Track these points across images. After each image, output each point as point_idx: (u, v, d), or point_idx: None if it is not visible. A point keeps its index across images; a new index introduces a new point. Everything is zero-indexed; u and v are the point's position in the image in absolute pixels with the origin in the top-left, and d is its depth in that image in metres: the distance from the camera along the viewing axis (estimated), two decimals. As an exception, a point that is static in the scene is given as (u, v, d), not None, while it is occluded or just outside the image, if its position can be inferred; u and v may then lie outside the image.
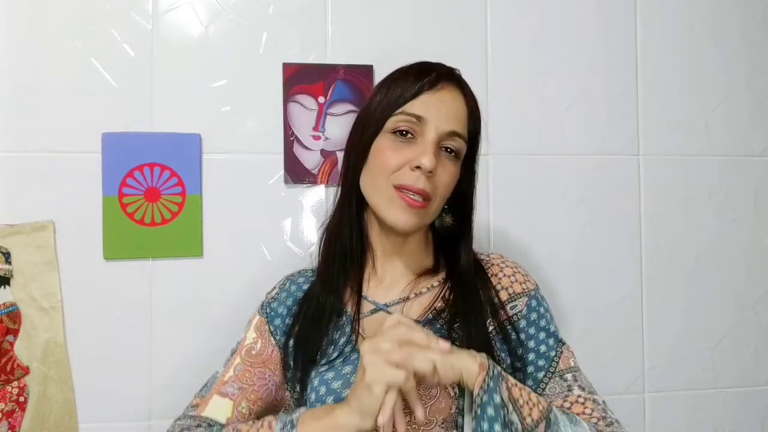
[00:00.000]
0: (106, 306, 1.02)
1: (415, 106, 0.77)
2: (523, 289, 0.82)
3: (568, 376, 0.78)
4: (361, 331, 0.80)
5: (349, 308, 0.82)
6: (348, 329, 0.80)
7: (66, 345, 1.01)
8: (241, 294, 1.05)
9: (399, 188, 0.76)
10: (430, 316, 0.79)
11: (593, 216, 1.15)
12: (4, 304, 0.99)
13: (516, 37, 1.14)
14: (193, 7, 1.06)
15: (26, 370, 0.99)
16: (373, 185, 0.79)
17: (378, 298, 0.83)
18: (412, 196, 0.75)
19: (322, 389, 0.76)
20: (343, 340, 0.79)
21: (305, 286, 0.87)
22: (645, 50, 1.17)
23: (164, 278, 1.04)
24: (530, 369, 0.79)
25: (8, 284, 1.00)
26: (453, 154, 0.79)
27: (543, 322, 0.81)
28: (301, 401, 0.80)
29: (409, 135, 0.77)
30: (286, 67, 1.07)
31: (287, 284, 0.89)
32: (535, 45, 1.14)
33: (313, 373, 0.78)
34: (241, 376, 0.82)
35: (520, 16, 1.14)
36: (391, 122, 0.78)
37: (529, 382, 0.78)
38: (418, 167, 0.75)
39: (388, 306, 0.82)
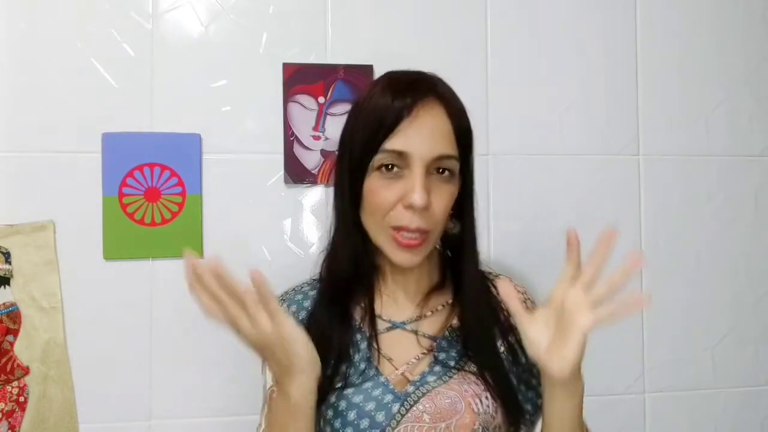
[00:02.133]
0: (106, 306, 1.02)
1: (395, 141, 0.73)
2: None
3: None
4: (381, 349, 0.79)
5: (364, 326, 0.80)
6: (364, 346, 0.78)
7: (66, 345, 1.01)
8: (241, 294, 1.05)
9: (396, 229, 0.74)
10: (447, 334, 0.80)
11: (593, 216, 1.14)
12: (4, 304, 0.99)
13: (516, 37, 1.13)
14: (193, 7, 1.06)
15: (26, 370, 0.99)
16: (373, 226, 0.77)
17: (392, 317, 0.82)
18: (408, 238, 0.74)
19: (342, 404, 0.74)
20: (358, 357, 0.78)
21: (306, 303, 0.85)
22: (645, 50, 1.17)
23: (164, 278, 1.04)
24: (531, 394, 0.81)
25: (8, 284, 1.00)
26: (446, 173, 0.76)
27: None
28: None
29: (396, 168, 0.74)
30: (286, 67, 1.07)
31: (284, 306, 0.85)
32: (535, 45, 1.14)
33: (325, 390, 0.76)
34: None
35: (520, 16, 1.14)
36: (376, 161, 0.74)
37: (528, 406, 0.80)
38: (410, 206, 0.72)
39: (405, 324, 0.81)
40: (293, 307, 0.85)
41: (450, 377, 0.76)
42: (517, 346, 0.80)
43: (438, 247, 0.86)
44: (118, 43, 1.04)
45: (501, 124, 1.12)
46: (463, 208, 0.82)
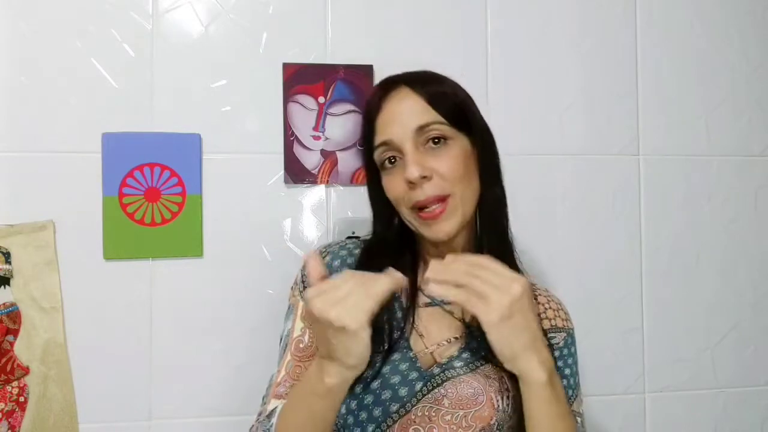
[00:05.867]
0: (106, 306, 1.02)
1: (379, 133, 0.79)
2: (564, 325, 0.84)
3: (578, 419, 0.80)
4: (415, 322, 0.79)
5: (403, 297, 0.81)
6: (400, 316, 0.79)
7: (66, 345, 1.01)
8: (241, 294, 1.05)
9: (415, 209, 0.77)
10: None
11: (593, 216, 1.15)
12: (4, 304, 0.99)
13: (516, 37, 1.14)
14: (193, 7, 1.06)
15: (26, 370, 0.99)
16: (403, 216, 0.80)
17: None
18: (428, 212, 0.76)
19: (368, 371, 0.73)
20: (391, 327, 0.78)
21: (350, 260, 0.83)
22: (645, 50, 1.17)
23: (164, 278, 1.04)
24: None
25: (8, 284, 1.00)
26: (439, 141, 0.78)
27: (571, 361, 0.82)
28: None
29: (395, 159, 0.79)
30: (286, 67, 1.07)
31: (328, 258, 0.83)
32: (535, 45, 1.14)
33: None
34: (292, 372, 0.80)
35: (520, 16, 1.14)
36: (377, 160, 0.81)
37: None
38: (411, 183, 0.75)
39: (444, 303, 0.81)
40: (336, 262, 0.83)
41: (477, 367, 0.76)
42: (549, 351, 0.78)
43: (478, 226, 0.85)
44: (118, 43, 1.04)
45: (501, 124, 1.12)
46: (484, 173, 0.82)
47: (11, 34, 1.02)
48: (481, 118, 0.84)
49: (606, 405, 1.13)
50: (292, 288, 0.86)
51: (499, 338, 0.66)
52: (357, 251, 0.85)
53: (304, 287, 0.83)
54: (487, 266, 0.66)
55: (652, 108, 1.17)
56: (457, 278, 0.65)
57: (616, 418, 1.13)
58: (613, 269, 1.15)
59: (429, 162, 0.76)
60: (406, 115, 0.78)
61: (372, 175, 0.84)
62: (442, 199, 0.76)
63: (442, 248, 0.82)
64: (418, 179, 0.74)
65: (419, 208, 0.76)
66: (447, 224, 0.76)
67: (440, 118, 0.78)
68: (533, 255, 1.12)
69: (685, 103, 1.18)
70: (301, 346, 0.81)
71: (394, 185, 0.78)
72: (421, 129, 0.77)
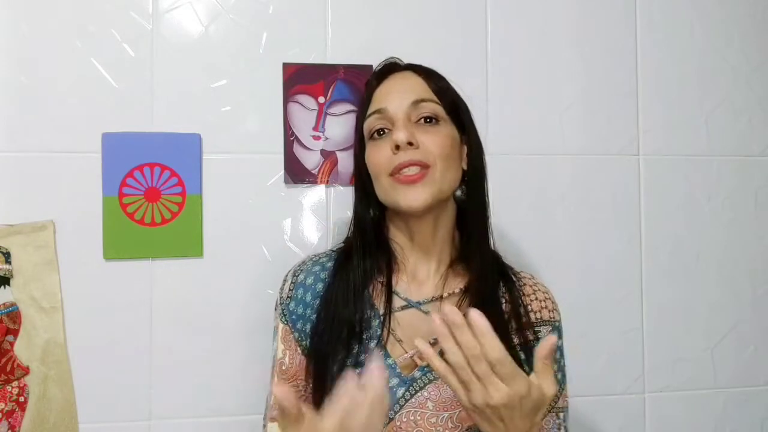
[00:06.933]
0: (106, 306, 1.02)
1: (375, 102, 0.82)
2: (550, 318, 0.84)
3: (561, 414, 0.79)
4: (392, 328, 0.78)
5: (378, 303, 0.80)
6: (376, 324, 0.78)
7: (66, 345, 1.01)
8: (241, 294, 1.05)
9: (394, 175, 0.77)
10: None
11: (593, 216, 1.14)
12: (4, 304, 0.99)
13: (516, 36, 1.13)
14: (193, 7, 1.06)
15: (26, 370, 0.99)
16: (380, 188, 0.80)
17: (410, 295, 0.81)
18: (407, 174, 0.77)
19: None
20: (367, 335, 0.78)
21: (323, 275, 0.84)
22: (645, 50, 1.17)
23: (164, 278, 1.04)
24: None
25: (8, 284, 1.00)
26: (431, 120, 0.79)
27: (557, 355, 0.82)
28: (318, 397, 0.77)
29: (384, 131, 0.80)
30: (286, 67, 1.07)
31: (302, 276, 0.85)
32: (535, 45, 1.14)
33: (335, 369, 0.76)
34: None
35: (520, 16, 1.14)
36: (367, 129, 0.83)
37: None
38: (396, 147, 0.77)
39: (421, 304, 0.80)
40: (310, 279, 0.84)
41: None
42: (533, 345, 0.78)
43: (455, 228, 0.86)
44: (118, 43, 1.04)
45: (501, 124, 1.12)
46: (470, 176, 0.83)
47: (11, 34, 1.02)
48: (478, 139, 0.86)
49: (605, 405, 1.13)
50: (275, 309, 0.87)
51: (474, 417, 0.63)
52: (330, 264, 0.85)
53: (282, 310, 0.84)
54: (497, 359, 0.60)
55: (652, 108, 1.17)
56: (458, 358, 0.60)
57: (615, 418, 1.13)
58: (613, 269, 1.15)
59: (418, 135, 0.78)
60: (404, 90, 0.80)
61: (359, 150, 0.86)
62: (424, 165, 0.77)
63: (423, 251, 0.82)
64: (405, 143, 0.76)
65: (399, 170, 0.77)
66: (423, 192, 0.76)
67: (436, 99, 0.81)
68: (532, 255, 1.12)
69: (685, 103, 1.18)
70: (283, 368, 0.82)
71: (378, 153, 0.80)
72: (416, 104, 0.79)
